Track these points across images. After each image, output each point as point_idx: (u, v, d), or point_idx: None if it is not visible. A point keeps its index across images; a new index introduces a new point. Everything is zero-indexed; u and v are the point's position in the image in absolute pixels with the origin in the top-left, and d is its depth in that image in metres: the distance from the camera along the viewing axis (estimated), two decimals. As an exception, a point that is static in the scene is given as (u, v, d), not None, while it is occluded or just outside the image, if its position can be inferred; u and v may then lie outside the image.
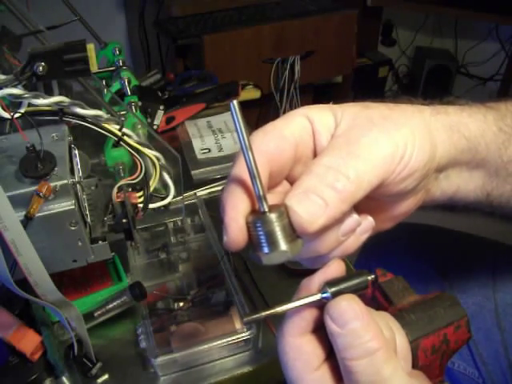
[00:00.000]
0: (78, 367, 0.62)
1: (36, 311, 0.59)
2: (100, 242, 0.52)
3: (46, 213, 0.47)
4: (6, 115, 0.49)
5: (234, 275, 0.69)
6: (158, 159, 0.57)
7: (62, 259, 0.52)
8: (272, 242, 0.31)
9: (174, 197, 0.60)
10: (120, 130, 0.54)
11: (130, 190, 0.55)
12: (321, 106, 0.38)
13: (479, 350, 0.69)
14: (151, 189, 0.56)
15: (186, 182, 0.66)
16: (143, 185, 0.55)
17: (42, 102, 0.49)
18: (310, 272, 0.36)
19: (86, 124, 0.52)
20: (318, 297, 0.33)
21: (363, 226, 0.37)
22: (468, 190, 0.43)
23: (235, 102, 0.30)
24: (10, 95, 0.48)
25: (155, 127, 1.00)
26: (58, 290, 0.49)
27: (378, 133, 0.35)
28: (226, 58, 1.72)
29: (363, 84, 2.42)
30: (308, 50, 1.85)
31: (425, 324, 0.37)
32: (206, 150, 1.03)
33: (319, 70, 1.93)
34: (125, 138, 0.54)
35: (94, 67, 0.52)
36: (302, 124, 0.36)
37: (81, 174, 0.53)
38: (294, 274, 0.71)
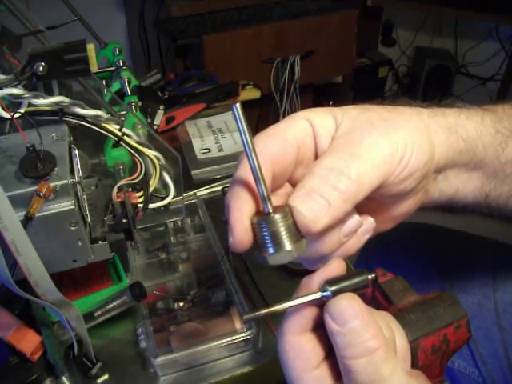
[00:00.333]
0: (78, 367, 0.62)
1: (36, 311, 0.59)
2: (100, 241, 0.52)
3: (45, 213, 0.47)
4: (6, 115, 0.49)
5: (234, 275, 0.69)
6: (158, 159, 0.57)
7: (61, 259, 0.52)
8: (277, 243, 0.32)
9: (174, 197, 0.60)
10: (120, 129, 0.54)
11: (130, 190, 0.55)
12: (321, 108, 0.38)
13: (479, 350, 0.69)
14: (151, 189, 0.56)
15: (186, 182, 0.66)
16: (143, 185, 0.55)
17: (42, 102, 0.49)
18: (310, 272, 0.36)
19: (86, 124, 0.52)
20: (318, 295, 0.34)
21: (364, 227, 0.38)
22: (466, 192, 0.44)
23: (238, 104, 0.30)
24: (10, 95, 0.48)
25: (155, 127, 1.00)
26: (58, 290, 0.49)
27: (378, 134, 0.35)
28: (225, 58, 1.72)
29: (363, 84, 2.42)
30: (308, 50, 1.85)
31: (425, 324, 0.37)
32: (206, 150, 1.03)
33: (319, 69, 1.94)
34: (125, 137, 0.54)
35: (94, 67, 0.52)
36: (304, 127, 0.37)
37: (81, 173, 0.53)
38: (294, 273, 0.71)
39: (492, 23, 2.41)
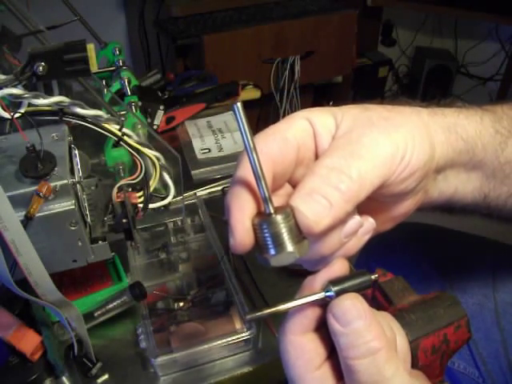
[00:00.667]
0: (78, 367, 0.62)
1: (36, 311, 0.59)
2: (100, 241, 0.52)
3: (45, 213, 0.47)
4: (6, 115, 0.49)
5: (234, 275, 0.69)
6: (158, 159, 0.57)
7: (61, 259, 0.52)
8: (279, 244, 0.31)
9: (174, 197, 0.60)
10: (120, 129, 0.54)
11: (130, 189, 0.55)
12: (321, 108, 0.38)
13: (479, 350, 0.69)
14: (151, 189, 0.56)
15: (185, 182, 0.66)
16: (143, 185, 0.55)
17: (42, 101, 0.49)
18: (310, 272, 0.36)
19: (86, 124, 0.52)
20: (321, 295, 0.33)
21: (365, 228, 0.37)
22: (466, 192, 0.44)
23: (239, 104, 0.30)
24: (10, 95, 0.48)
25: (155, 127, 1.00)
26: (58, 290, 0.49)
27: (379, 134, 0.35)
28: (226, 58, 1.72)
29: (363, 84, 2.42)
30: (308, 50, 1.85)
31: (425, 324, 0.37)
32: (206, 150, 1.03)
33: (319, 69, 1.93)
34: (125, 138, 0.54)
35: (94, 67, 0.51)
36: (304, 126, 0.37)
37: (81, 173, 0.53)
38: (294, 274, 0.71)
39: (492, 23, 2.40)
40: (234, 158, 1.00)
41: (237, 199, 0.33)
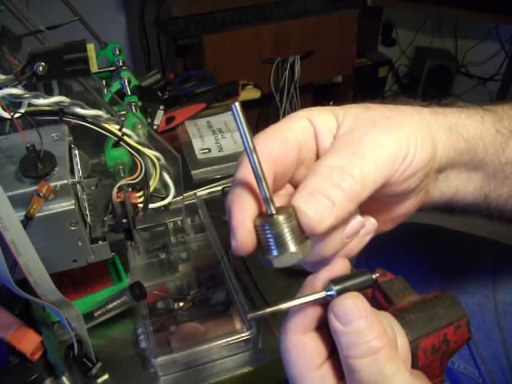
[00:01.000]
0: (78, 367, 0.62)
1: (36, 311, 0.59)
2: (100, 242, 0.52)
3: (46, 213, 0.47)
4: (6, 115, 0.49)
5: (234, 275, 0.69)
6: (158, 159, 0.57)
7: (62, 259, 0.52)
8: (281, 245, 0.31)
9: (174, 197, 0.60)
10: (120, 129, 0.54)
11: (130, 189, 0.55)
12: (322, 108, 0.38)
13: (479, 350, 0.69)
14: (151, 189, 0.56)
15: (186, 182, 0.66)
16: (143, 185, 0.55)
17: (42, 101, 0.49)
18: (310, 272, 0.36)
19: (86, 124, 0.52)
20: (322, 294, 0.33)
21: (366, 228, 0.37)
22: (466, 192, 0.43)
23: (237, 103, 0.29)
24: (10, 95, 0.48)
25: (155, 127, 1.00)
26: (58, 290, 0.49)
27: (381, 133, 0.35)
28: (226, 58, 1.72)
29: (363, 84, 2.42)
30: (308, 50, 1.85)
31: (425, 324, 0.37)
32: (206, 150, 1.03)
33: (319, 70, 1.93)
34: (125, 138, 0.54)
35: (94, 67, 0.51)
36: (305, 126, 0.36)
37: (81, 173, 0.53)
38: (294, 273, 0.71)
39: (492, 23, 2.41)
40: (234, 157, 1.00)
41: (238, 200, 0.32)
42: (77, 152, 0.53)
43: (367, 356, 0.32)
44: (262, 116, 1.83)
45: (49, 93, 0.56)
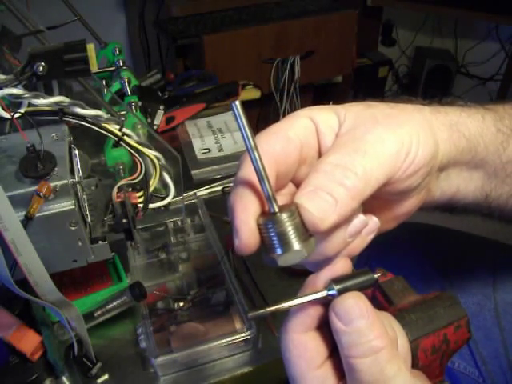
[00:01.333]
0: (78, 367, 0.62)
1: (36, 311, 0.59)
2: (100, 242, 0.52)
3: (46, 213, 0.47)
4: (6, 115, 0.49)
5: (234, 275, 0.69)
6: (158, 159, 0.57)
7: (62, 259, 0.52)
8: (285, 243, 0.31)
9: (174, 197, 0.60)
10: (120, 129, 0.54)
11: (130, 189, 0.55)
12: (323, 106, 0.38)
13: (479, 350, 0.69)
14: (151, 189, 0.56)
15: (186, 182, 0.66)
16: (143, 185, 0.55)
17: (42, 101, 0.49)
18: (311, 272, 0.36)
19: (86, 124, 0.52)
20: (324, 294, 0.33)
21: (369, 227, 0.37)
22: (467, 191, 0.43)
23: (237, 102, 0.29)
24: (10, 95, 0.48)
25: (155, 127, 1.00)
26: (58, 290, 0.49)
27: (383, 130, 0.34)
28: (226, 58, 1.72)
29: (363, 84, 2.42)
30: (308, 50, 1.85)
31: (425, 324, 0.37)
32: (206, 150, 1.03)
33: (319, 69, 1.93)
34: (125, 138, 0.54)
35: (94, 67, 0.51)
36: (306, 125, 0.36)
37: (81, 173, 0.53)
38: (294, 273, 0.71)
39: (492, 23, 2.41)
40: (234, 157, 1.00)
41: (240, 200, 0.32)
42: (77, 152, 0.53)
43: (368, 356, 0.32)
44: (261, 116, 1.83)
45: (49, 93, 0.56)
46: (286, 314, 0.36)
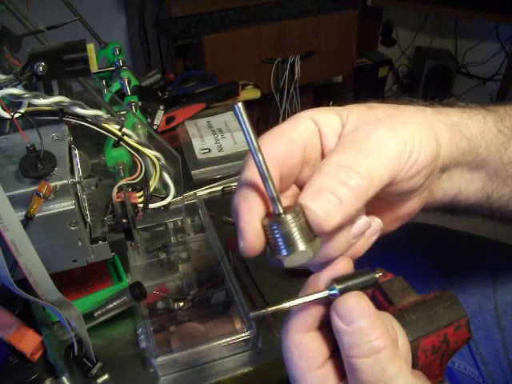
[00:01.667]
0: (78, 367, 0.62)
1: (36, 311, 0.59)
2: (100, 242, 0.52)
3: (46, 213, 0.47)
4: (6, 115, 0.49)
5: (234, 275, 0.69)
6: (158, 159, 0.57)
7: (61, 259, 0.52)
8: (290, 244, 0.31)
9: (174, 197, 0.60)
10: (120, 129, 0.54)
11: (130, 189, 0.55)
12: (325, 108, 0.38)
13: (479, 350, 0.69)
14: (151, 189, 0.56)
15: (186, 182, 0.66)
16: (143, 185, 0.55)
17: (42, 101, 0.49)
18: (311, 272, 0.36)
19: (86, 124, 0.52)
20: (325, 293, 0.33)
21: (372, 228, 0.37)
22: (469, 192, 0.43)
23: (240, 104, 0.29)
24: (10, 95, 0.48)
25: (155, 127, 1.00)
26: (58, 290, 0.49)
27: (386, 131, 0.35)
28: (225, 58, 1.72)
29: (363, 84, 2.42)
30: (308, 50, 1.85)
31: (425, 324, 0.37)
32: (206, 150, 1.03)
33: (319, 69, 1.93)
34: (125, 138, 0.54)
35: (94, 67, 0.51)
36: (309, 127, 0.36)
37: (81, 173, 0.53)
38: (295, 274, 0.71)
39: (492, 23, 2.41)
40: (234, 157, 1.00)
41: (245, 201, 0.32)
42: (77, 152, 0.53)
43: (369, 356, 0.31)
44: (262, 116, 1.83)
45: (49, 93, 0.56)
46: (286, 314, 0.36)
